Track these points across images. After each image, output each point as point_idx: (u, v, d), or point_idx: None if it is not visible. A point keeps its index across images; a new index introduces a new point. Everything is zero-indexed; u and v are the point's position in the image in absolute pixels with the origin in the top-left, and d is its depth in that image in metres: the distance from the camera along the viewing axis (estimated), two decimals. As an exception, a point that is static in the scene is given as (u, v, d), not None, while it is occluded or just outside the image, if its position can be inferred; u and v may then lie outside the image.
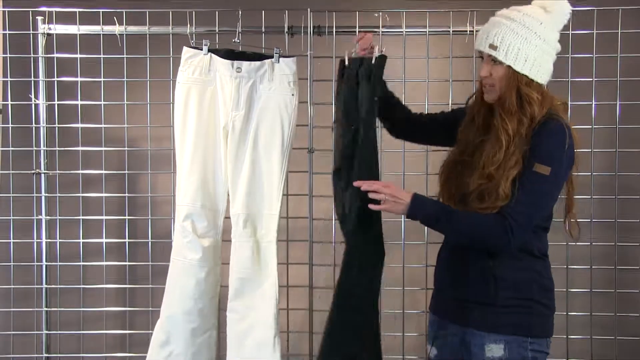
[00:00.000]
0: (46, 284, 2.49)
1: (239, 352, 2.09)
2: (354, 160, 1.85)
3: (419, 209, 1.71)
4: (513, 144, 1.65)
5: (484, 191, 1.66)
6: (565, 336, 2.45)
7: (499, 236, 1.64)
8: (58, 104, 2.51)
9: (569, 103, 2.38)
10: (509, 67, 1.66)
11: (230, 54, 2.10)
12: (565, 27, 2.34)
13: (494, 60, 1.67)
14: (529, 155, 1.64)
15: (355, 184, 1.77)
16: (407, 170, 2.42)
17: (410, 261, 2.44)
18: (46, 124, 2.48)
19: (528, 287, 1.72)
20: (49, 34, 2.44)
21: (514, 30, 1.65)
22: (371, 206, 1.74)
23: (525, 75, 1.66)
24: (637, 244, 2.45)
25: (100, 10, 2.39)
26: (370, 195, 1.73)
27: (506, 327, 1.69)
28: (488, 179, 1.65)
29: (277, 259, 2.10)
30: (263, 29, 2.35)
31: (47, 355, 2.52)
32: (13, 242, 2.54)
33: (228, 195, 2.13)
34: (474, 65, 2.35)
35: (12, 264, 2.55)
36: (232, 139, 2.08)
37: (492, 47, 1.66)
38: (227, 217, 2.14)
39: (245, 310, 2.10)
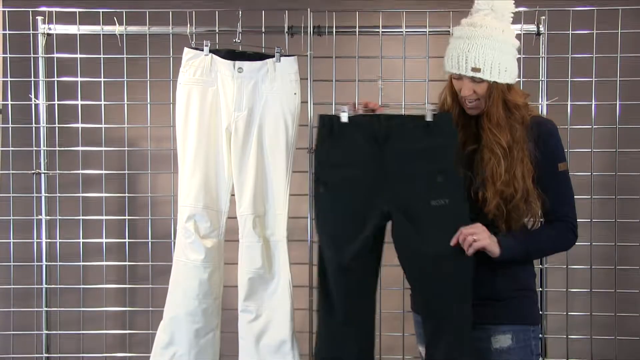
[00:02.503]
0: (46, 284, 2.49)
1: (256, 353, 2.09)
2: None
3: (508, 254, 1.71)
4: (517, 151, 1.70)
5: (519, 207, 1.72)
6: (565, 336, 2.45)
7: (569, 240, 1.78)
8: (58, 104, 2.51)
9: (569, 103, 2.41)
10: (494, 81, 1.70)
11: (231, 54, 2.10)
12: (566, 27, 2.38)
13: (475, 80, 1.70)
14: (547, 159, 1.73)
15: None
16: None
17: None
18: (46, 124, 2.48)
19: (525, 277, 1.81)
20: (49, 34, 2.43)
21: (490, 46, 1.69)
22: (470, 252, 1.67)
23: (506, 84, 1.72)
24: (637, 244, 2.45)
25: (100, 10, 2.39)
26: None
27: (512, 317, 1.75)
28: (502, 194, 1.70)
29: (289, 258, 2.11)
30: (263, 29, 2.34)
31: (47, 355, 2.52)
32: (13, 242, 2.54)
33: (231, 195, 2.13)
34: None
35: (12, 264, 2.54)
36: (236, 140, 2.08)
37: (475, 69, 1.69)
38: (230, 218, 2.15)
39: (259, 310, 2.10)
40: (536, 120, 1.77)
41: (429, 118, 1.73)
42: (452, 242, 1.67)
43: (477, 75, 1.69)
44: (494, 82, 1.69)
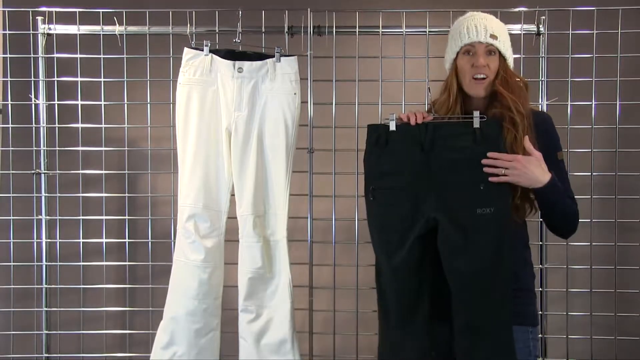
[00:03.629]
0: (46, 284, 2.49)
1: (256, 352, 2.09)
2: None
3: (553, 187, 1.69)
4: (525, 129, 1.71)
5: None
6: (565, 336, 2.45)
7: (577, 219, 1.77)
8: (58, 104, 2.51)
9: (569, 103, 2.41)
10: (504, 59, 1.76)
11: (231, 54, 2.11)
12: (566, 27, 2.38)
13: (490, 52, 1.76)
14: (548, 148, 1.73)
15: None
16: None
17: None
18: (46, 124, 2.48)
19: (525, 277, 1.81)
20: (49, 34, 2.44)
21: (502, 26, 1.80)
22: (492, 179, 1.67)
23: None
24: (637, 244, 2.45)
25: (100, 10, 2.39)
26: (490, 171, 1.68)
27: (512, 317, 1.72)
28: None
29: (289, 258, 2.11)
30: (263, 29, 2.35)
31: (47, 355, 2.52)
32: (13, 242, 2.54)
33: (231, 195, 2.14)
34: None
35: (12, 264, 2.54)
36: (236, 140, 2.08)
37: (493, 36, 1.74)
38: (230, 218, 2.15)
39: (259, 310, 2.10)
40: (534, 111, 1.80)
41: (476, 125, 1.72)
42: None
43: (495, 43, 1.74)
44: (504, 59, 1.75)
